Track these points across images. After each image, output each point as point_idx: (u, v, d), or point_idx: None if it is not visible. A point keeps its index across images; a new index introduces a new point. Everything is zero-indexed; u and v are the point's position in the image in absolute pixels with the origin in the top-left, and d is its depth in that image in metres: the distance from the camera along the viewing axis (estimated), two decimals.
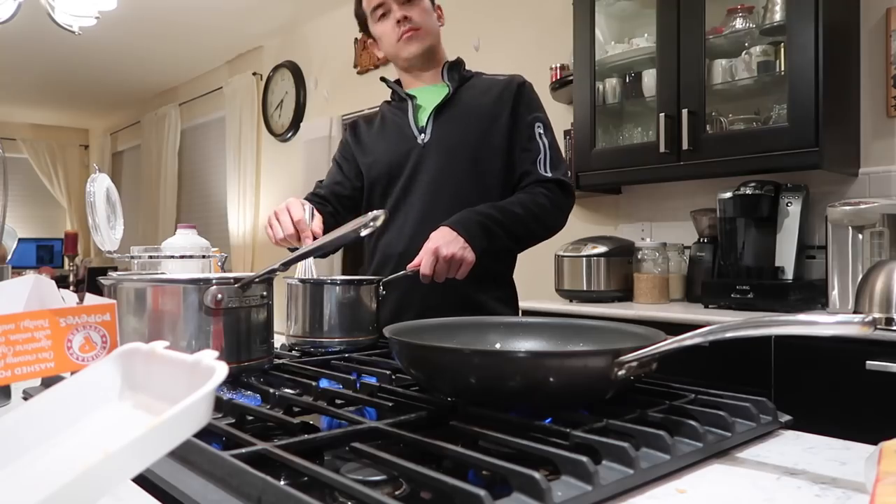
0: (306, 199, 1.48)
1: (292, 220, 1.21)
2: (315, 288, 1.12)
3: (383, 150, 1.49)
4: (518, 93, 1.45)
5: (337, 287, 1.12)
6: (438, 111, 1.45)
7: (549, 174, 1.40)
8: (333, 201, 1.50)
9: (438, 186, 1.41)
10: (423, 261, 1.21)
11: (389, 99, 1.57)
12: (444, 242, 1.22)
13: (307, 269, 1.37)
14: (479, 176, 1.41)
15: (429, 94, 1.49)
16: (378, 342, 1.15)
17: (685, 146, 2.26)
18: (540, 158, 1.41)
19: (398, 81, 1.56)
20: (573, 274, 2.48)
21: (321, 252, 1.21)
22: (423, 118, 1.46)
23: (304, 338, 1.12)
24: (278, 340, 1.15)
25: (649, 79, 2.49)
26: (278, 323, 1.00)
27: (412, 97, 1.49)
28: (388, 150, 1.48)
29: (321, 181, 1.59)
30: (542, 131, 1.43)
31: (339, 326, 1.11)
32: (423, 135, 1.44)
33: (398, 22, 1.44)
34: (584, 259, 2.46)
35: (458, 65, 1.51)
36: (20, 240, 4.97)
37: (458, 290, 1.31)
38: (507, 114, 1.42)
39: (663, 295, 2.36)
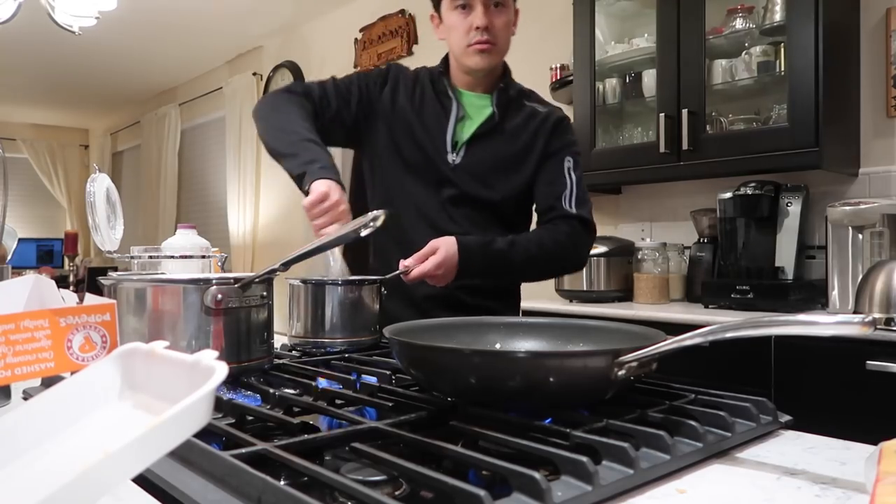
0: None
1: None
2: (317, 288, 1.12)
3: (412, 149, 1.41)
4: (554, 128, 1.42)
5: (339, 287, 1.12)
6: (478, 136, 1.39)
7: (574, 211, 1.38)
8: (322, 115, 1.39)
9: (459, 205, 1.39)
10: (415, 264, 1.20)
11: (434, 78, 1.44)
12: (442, 272, 1.21)
13: (335, 264, 1.26)
14: (502, 203, 1.40)
15: (475, 105, 1.42)
16: (379, 342, 1.15)
17: (685, 146, 2.26)
18: (565, 194, 1.38)
19: (445, 71, 1.44)
20: (573, 274, 2.48)
21: (321, 252, 1.20)
22: (463, 135, 1.40)
23: (306, 338, 1.12)
24: (279, 340, 1.15)
25: (649, 79, 2.48)
26: (279, 323, 1.00)
27: (459, 101, 1.41)
28: (417, 154, 1.40)
29: (312, 84, 1.44)
30: (571, 166, 1.40)
31: (341, 326, 1.11)
32: (455, 155, 1.39)
33: (477, 28, 1.33)
34: None
35: (507, 87, 1.43)
36: (20, 240, 4.97)
37: (459, 288, 1.31)
38: (540, 147, 1.40)
39: (663, 295, 2.36)
